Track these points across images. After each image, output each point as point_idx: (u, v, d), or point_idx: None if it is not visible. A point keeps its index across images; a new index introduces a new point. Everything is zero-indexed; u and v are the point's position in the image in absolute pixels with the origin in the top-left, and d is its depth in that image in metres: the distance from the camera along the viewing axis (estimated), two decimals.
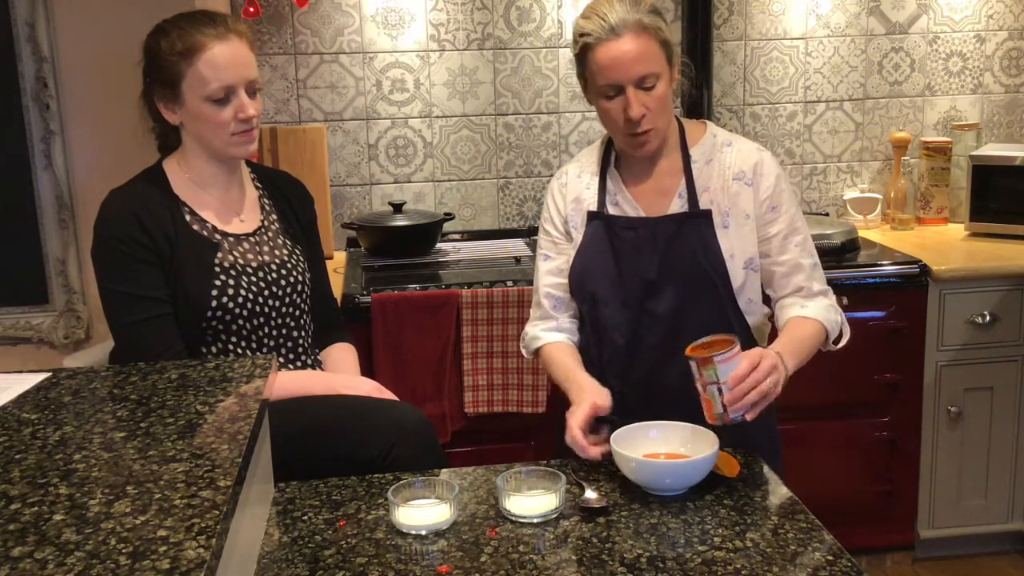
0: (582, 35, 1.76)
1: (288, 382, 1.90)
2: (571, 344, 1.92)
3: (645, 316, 1.83)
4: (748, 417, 1.57)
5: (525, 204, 3.31)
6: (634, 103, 1.74)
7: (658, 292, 1.83)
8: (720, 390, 1.53)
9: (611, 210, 1.87)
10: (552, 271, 1.93)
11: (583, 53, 1.77)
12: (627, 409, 1.71)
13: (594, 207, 1.88)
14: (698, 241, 1.82)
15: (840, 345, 1.87)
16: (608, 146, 1.92)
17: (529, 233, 3.27)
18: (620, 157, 1.90)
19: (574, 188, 1.91)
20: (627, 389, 1.82)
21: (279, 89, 3.15)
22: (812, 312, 1.82)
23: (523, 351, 2.02)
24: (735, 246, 1.83)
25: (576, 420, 1.66)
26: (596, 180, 1.90)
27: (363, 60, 3.16)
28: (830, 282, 1.88)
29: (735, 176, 1.85)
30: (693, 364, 1.57)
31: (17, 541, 1.01)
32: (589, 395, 1.72)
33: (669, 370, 1.80)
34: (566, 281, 1.91)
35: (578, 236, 1.89)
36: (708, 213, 1.83)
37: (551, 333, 1.93)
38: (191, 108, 1.89)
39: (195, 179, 1.97)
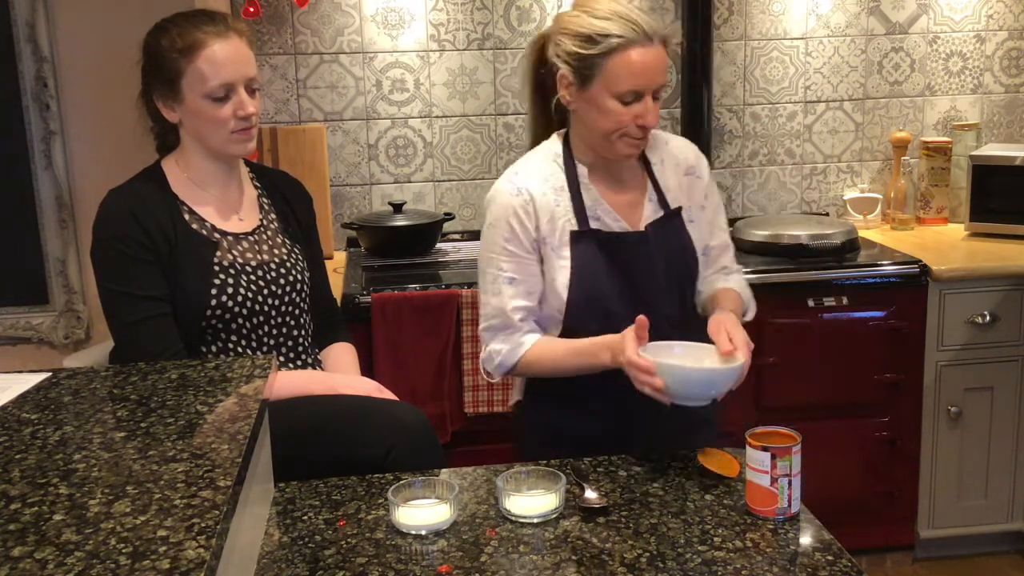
0: (606, 35, 1.73)
1: (288, 382, 1.90)
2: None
3: (661, 320, 1.82)
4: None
5: None
6: (653, 111, 1.78)
7: (668, 295, 1.87)
8: (791, 483, 1.48)
9: (594, 225, 1.84)
10: (521, 294, 1.83)
11: (603, 54, 1.74)
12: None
13: (574, 225, 1.83)
14: (682, 239, 1.91)
15: (747, 319, 1.96)
16: (569, 160, 1.87)
17: None
18: (588, 171, 1.87)
19: (544, 206, 1.82)
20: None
21: (279, 89, 3.15)
22: (735, 284, 1.97)
23: (491, 373, 1.88)
24: (697, 237, 1.93)
25: (631, 346, 1.64)
26: (565, 196, 1.84)
27: (363, 60, 3.16)
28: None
29: (686, 171, 1.94)
30: (766, 456, 1.47)
31: (17, 541, 1.01)
32: (620, 335, 1.69)
33: None
34: (535, 304, 1.85)
35: (555, 256, 1.83)
36: (679, 211, 1.91)
37: (531, 335, 1.85)
38: (191, 106, 1.90)
39: (194, 178, 1.98)
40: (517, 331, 1.84)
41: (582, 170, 1.86)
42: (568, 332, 1.84)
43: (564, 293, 1.82)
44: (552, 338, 1.86)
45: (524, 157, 1.91)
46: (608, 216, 1.85)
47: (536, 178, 1.85)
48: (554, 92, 1.84)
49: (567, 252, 1.83)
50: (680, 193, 1.92)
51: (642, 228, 1.87)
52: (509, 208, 1.83)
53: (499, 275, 1.84)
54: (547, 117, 1.93)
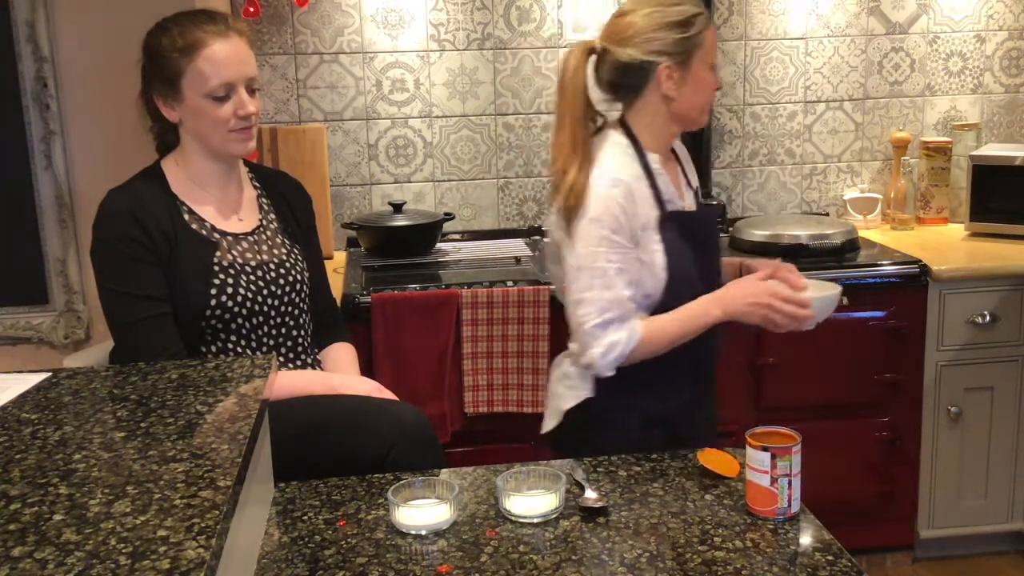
0: (695, 14, 1.88)
1: (288, 382, 1.90)
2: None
3: (719, 286, 1.99)
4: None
5: (525, 204, 3.31)
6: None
7: (720, 267, 2.07)
8: (791, 483, 1.48)
9: (670, 208, 1.93)
10: (627, 283, 1.86)
11: (701, 31, 1.88)
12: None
13: (657, 210, 1.90)
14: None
15: None
16: (639, 149, 1.92)
17: (529, 233, 3.27)
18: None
19: (638, 194, 1.87)
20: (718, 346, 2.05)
21: (279, 89, 3.15)
22: None
23: (606, 367, 1.85)
24: None
25: (782, 287, 1.89)
26: (643, 183, 1.90)
27: (363, 60, 3.16)
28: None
29: (684, 155, 2.09)
30: (766, 456, 1.47)
31: (17, 541, 1.01)
32: (745, 280, 1.92)
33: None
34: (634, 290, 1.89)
35: (650, 241, 1.88)
36: (698, 188, 2.08)
37: (636, 320, 1.86)
38: (191, 105, 1.90)
39: (193, 178, 1.98)
40: (630, 319, 1.86)
41: (653, 157, 1.93)
42: (659, 312, 1.91)
43: (663, 275, 1.89)
44: (648, 317, 1.90)
45: (596, 154, 1.89)
46: (676, 198, 1.95)
47: (617, 166, 1.89)
48: (590, 104, 1.91)
49: (657, 236, 1.89)
50: (690, 174, 2.08)
51: (692, 206, 2.01)
52: (612, 201, 1.84)
53: (608, 267, 1.84)
54: (585, 127, 1.91)
